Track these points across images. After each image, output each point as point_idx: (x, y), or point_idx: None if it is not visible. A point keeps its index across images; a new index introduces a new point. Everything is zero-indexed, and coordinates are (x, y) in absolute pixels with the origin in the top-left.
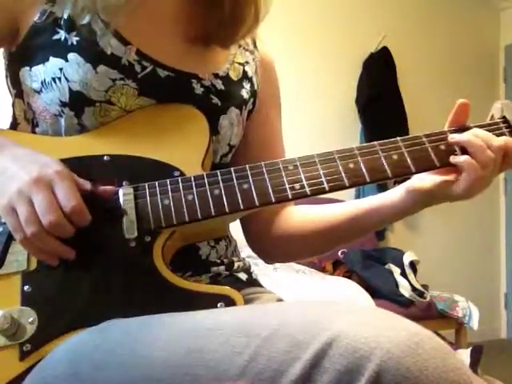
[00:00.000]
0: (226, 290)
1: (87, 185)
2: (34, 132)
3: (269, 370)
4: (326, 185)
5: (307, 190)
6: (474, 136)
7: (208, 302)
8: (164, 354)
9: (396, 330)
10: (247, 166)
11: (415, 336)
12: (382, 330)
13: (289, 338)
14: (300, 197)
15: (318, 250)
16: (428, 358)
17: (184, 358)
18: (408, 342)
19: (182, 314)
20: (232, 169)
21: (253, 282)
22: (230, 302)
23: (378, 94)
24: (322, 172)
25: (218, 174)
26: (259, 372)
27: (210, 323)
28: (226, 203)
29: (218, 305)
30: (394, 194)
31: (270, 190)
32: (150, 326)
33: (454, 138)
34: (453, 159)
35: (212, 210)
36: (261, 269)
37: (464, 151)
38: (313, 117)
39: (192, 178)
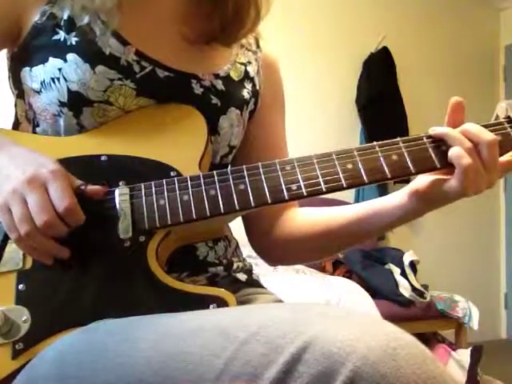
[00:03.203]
0: (218, 291)
1: (77, 184)
2: (34, 132)
3: (245, 374)
4: (322, 185)
5: (304, 190)
6: (463, 129)
7: (200, 303)
8: (146, 355)
9: (374, 334)
10: (244, 166)
11: (393, 341)
12: (359, 335)
13: (266, 342)
14: (296, 198)
15: (319, 253)
16: (404, 364)
17: (165, 360)
18: (385, 347)
19: (169, 315)
20: (229, 169)
21: (252, 283)
22: (222, 304)
23: (378, 93)
24: (319, 172)
25: (215, 174)
26: (235, 376)
27: (192, 325)
28: (221, 204)
29: (211, 306)
30: (396, 198)
31: (266, 191)
32: (137, 327)
33: (434, 130)
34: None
35: (207, 211)
36: (261, 269)
37: None
38: (313, 117)
39: (188, 178)
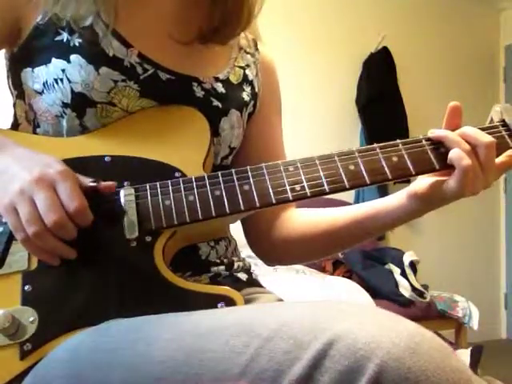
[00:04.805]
0: (226, 290)
1: (88, 181)
2: (35, 132)
3: (270, 370)
4: (326, 186)
5: (307, 191)
6: (461, 132)
7: (208, 302)
8: (164, 354)
9: (397, 330)
10: (248, 167)
11: (416, 336)
12: (382, 330)
13: (290, 338)
14: (300, 198)
15: (318, 253)
16: (429, 358)
17: (184, 358)
18: (409, 342)
19: (183, 313)
20: (233, 170)
21: (253, 282)
22: (230, 303)
23: (378, 94)
24: (322, 173)
25: (219, 174)
26: (260, 372)
27: (211, 323)
28: (226, 204)
29: (219, 305)
30: (396, 199)
31: (271, 191)
32: (151, 326)
33: (433, 132)
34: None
35: (213, 211)
36: (261, 269)
37: None
38: (313, 117)
39: (193, 179)
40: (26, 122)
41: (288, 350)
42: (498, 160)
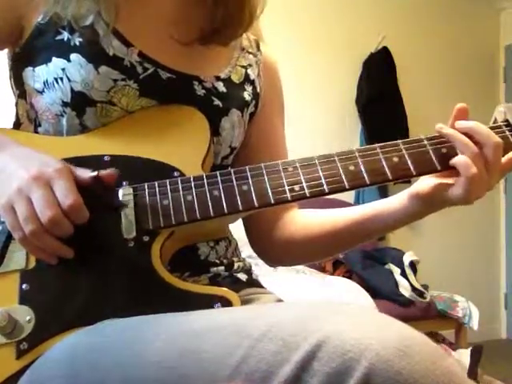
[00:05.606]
0: (222, 291)
1: (89, 173)
2: (36, 132)
3: (259, 371)
4: (325, 186)
5: (307, 191)
6: (471, 128)
7: (205, 302)
8: (159, 354)
9: (387, 332)
10: (247, 167)
11: (406, 339)
12: (372, 332)
13: (279, 340)
14: (299, 198)
15: (320, 254)
16: (419, 360)
17: (178, 359)
18: (398, 344)
19: (178, 314)
20: (231, 170)
21: (253, 283)
22: (226, 303)
23: (378, 94)
24: (321, 174)
25: (218, 174)
26: (250, 373)
27: (205, 324)
28: (225, 204)
29: (215, 306)
30: (397, 200)
31: (270, 192)
32: (147, 327)
33: (442, 128)
34: (452, 160)
35: (211, 211)
36: (261, 269)
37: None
38: (313, 117)
39: (191, 179)
40: (28, 121)
41: (277, 351)
42: (502, 161)
